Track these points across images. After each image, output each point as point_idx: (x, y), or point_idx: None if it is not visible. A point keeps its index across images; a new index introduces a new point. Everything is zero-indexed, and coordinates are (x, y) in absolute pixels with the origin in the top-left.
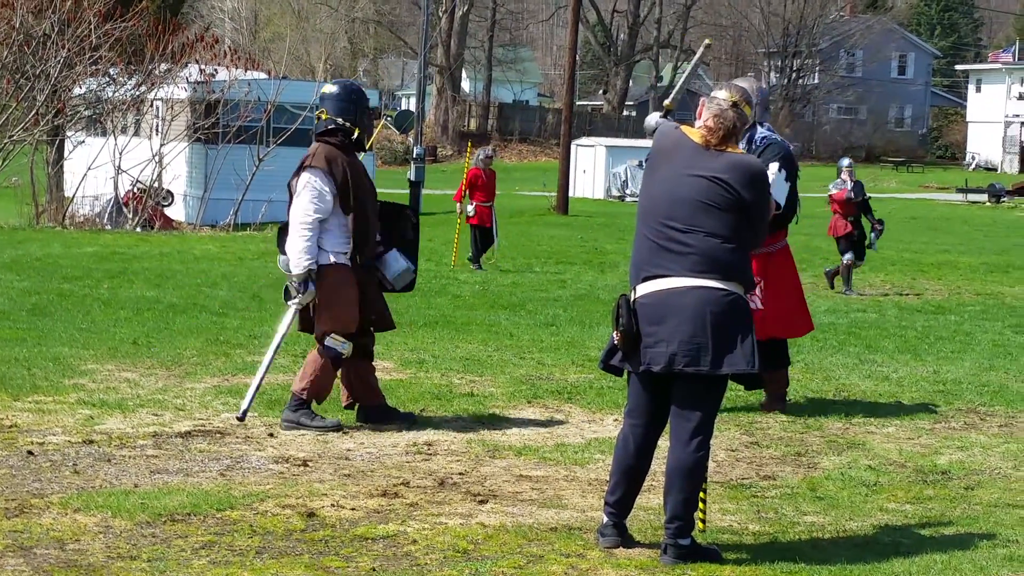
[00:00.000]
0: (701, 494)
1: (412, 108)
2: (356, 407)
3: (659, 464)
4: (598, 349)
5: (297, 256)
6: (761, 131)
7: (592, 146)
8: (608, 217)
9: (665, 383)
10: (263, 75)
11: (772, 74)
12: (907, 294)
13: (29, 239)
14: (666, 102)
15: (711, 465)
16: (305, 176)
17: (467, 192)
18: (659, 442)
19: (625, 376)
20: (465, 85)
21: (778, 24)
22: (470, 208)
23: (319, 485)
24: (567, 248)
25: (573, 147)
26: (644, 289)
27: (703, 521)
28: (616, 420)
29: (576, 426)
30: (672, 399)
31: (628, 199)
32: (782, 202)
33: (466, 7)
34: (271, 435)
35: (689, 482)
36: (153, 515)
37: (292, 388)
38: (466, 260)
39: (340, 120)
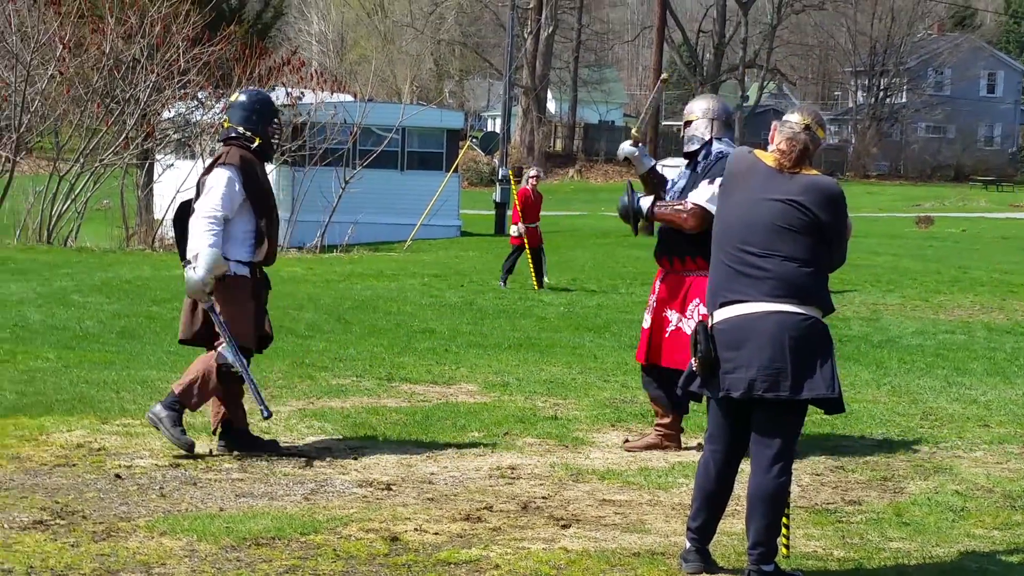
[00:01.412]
0: (784, 519)
1: (497, 129)
2: (219, 432)
3: (742, 488)
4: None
5: (206, 256)
6: (718, 145)
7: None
8: None
9: (745, 409)
10: (349, 97)
11: (859, 93)
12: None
13: (119, 262)
14: (633, 131)
15: (795, 489)
16: (219, 171)
17: (523, 214)
18: (742, 466)
19: (705, 401)
20: (550, 106)
21: (865, 43)
22: (514, 229)
23: (402, 509)
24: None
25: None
26: (722, 315)
27: (787, 547)
28: (699, 444)
29: (659, 450)
30: (752, 425)
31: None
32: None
33: (551, 28)
34: (355, 458)
35: (771, 508)
36: (238, 539)
37: (172, 385)
38: (533, 284)
39: (240, 129)
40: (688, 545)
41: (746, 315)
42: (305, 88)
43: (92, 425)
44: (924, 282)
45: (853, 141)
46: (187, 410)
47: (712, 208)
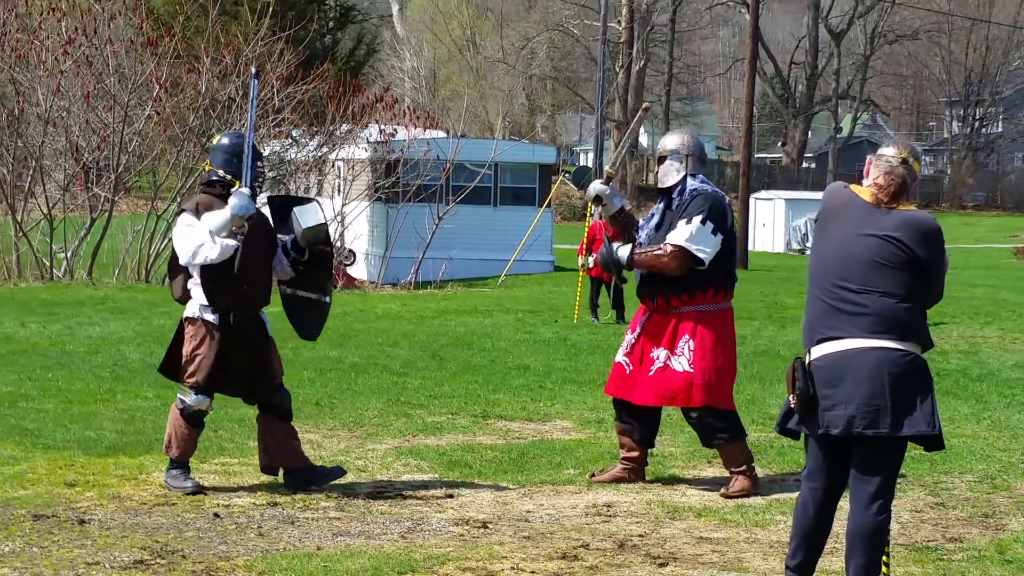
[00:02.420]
0: (884, 557)
1: (590, 164)
2: (280, 472)
3: (841, 525)
4: (778, 407)
5: (216, 224)
6: (692, 183)
7: (771, 199)
8: (788, 271)
9: (844, 446)
10: (442, 134)
11: (954, 123)
12: None
13: None
14: (607, 168)
15: (895, 527)
16: (180, 219)
17: (588, 246)
18: (841, 503)
19: (803, 437)
20: (643, 140)
21: (960, 72)
22: (590, 260)
23: (499, 548)
24: (747, 303)
25: (752, 200)
26: (819, 351)
27: None
28: (797, 480)
29: (759, 487)
30: (851, 462)
31: (808, 252)
32: (706, 256)
33: (643, 62)
34: (451, 496)
35: (871, 546)
36: None
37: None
38: (587, 313)
39: (221, 172)
40: None
41: (845, 351)
42: (398, 125)
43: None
44: None
45: (948, 172)
46: (185, 459)
47: (691, 247)
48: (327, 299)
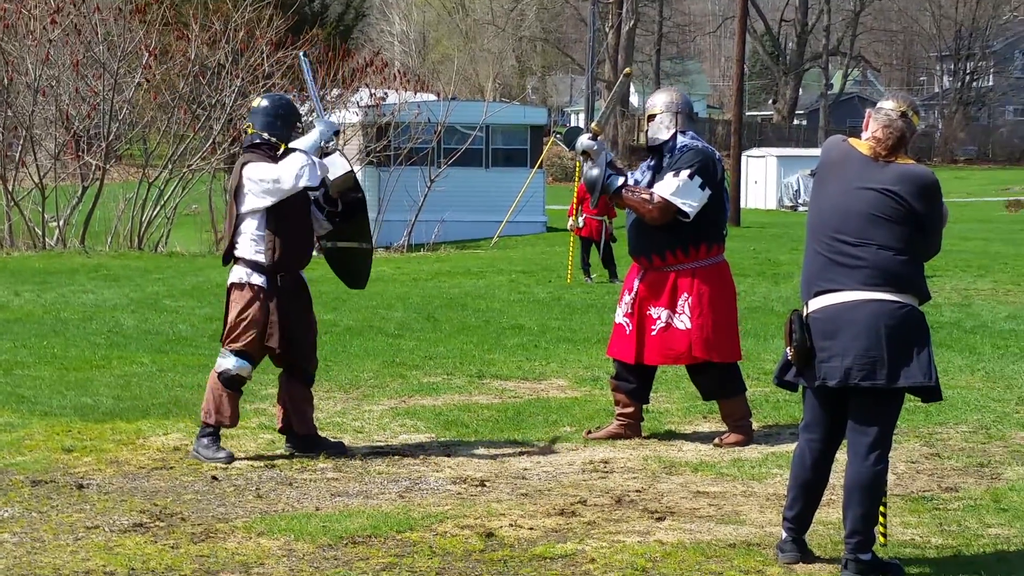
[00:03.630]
0: (881, 508)
1: (581, 125)
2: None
3: (838, 478)
4: (773, 362)
5: (308, 144)
6: (683, 139)
7: (763, 156)
8: (781, 228)
9: (841, 398)
10: (432, 97)
11: (945, 78)
12: None
13: (209, 266)
14: (592, 125)
15: (891, 478)
16: (247, 168)
17: (578, 206)
18: (838, 455)
19: (800, 390)
20: (633, 99)
21: (950, 27)
22: (580, 220)
23: (497, 505)
24: (740, 260)
25: (744, 158)
26: (816, 304)
27: (884, 535)
28: (793, 434)
29: (753, 440)
30: (849, 414)
31: (800, 209)
32: (692, 209)
33: (632, 22)
34: (448, 455)
35: (868, 497)
36: (335, 538)
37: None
38: (580, 273)
39: (266, 135)
40: (784, 535)
41: (842, 304)
42: (388, 88)
43: (188, 428)
44: (1016, 266)
45: (940, 126)
46: (225, 427)
47: (676, 201)
48: (366, 245)
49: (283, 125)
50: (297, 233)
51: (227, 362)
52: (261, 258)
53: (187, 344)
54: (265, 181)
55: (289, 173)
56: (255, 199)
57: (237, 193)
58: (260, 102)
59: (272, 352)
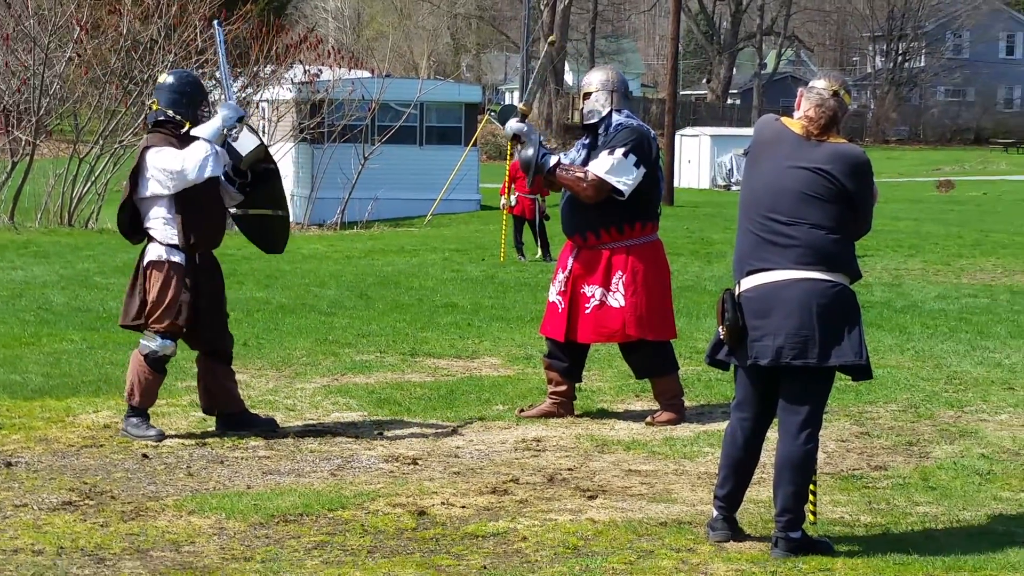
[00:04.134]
0: (811, 486)
1: (515, 102)
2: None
3: (769, 456)
4: (706, 341)
5: (209, 132)
6: (618, 118)
7: (697, 136)
8: (714, 207)
9: (772, 376)
10: (367, 74)
11: (877, 58)
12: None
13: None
14: (521, 106)
15: (821, 456)
16: (150, 154)
17: (511, 185)
18: (768, 434)
19: (732, 369)
20: (568, 78)
21: (882, 7)
22: (513, 199)
23: (429, 483)
24: (674, 239)
25: (677, 137)
26: (749, 283)
27: (814, 513)
28: (725, 413)
29: (685, 419)
30: (780, 392)
31: (734, 188)
32: (626, 187)
33: (568, 0)
34: (380, 434)
35: (799, 475)
36: (266, 516)
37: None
38: (513, 252)
39: (171, 112)
40: (715, 513)
41: (774, 283)
42: (323, 65)
43: (118, 406)
44: (946, 246)
45: (872, 106)
46: (147, 407)
47: (611, 179)
48: (280, 212)
49: (188, 103)
50: (208, 212)
51: (152, 343)
52: (175, 240)
53: (117, 321)
54: (168, 172)
55: (192, 164)
56: (158, 186)
57: (138, 176)
58: (166, 78)
59: (188, 336)
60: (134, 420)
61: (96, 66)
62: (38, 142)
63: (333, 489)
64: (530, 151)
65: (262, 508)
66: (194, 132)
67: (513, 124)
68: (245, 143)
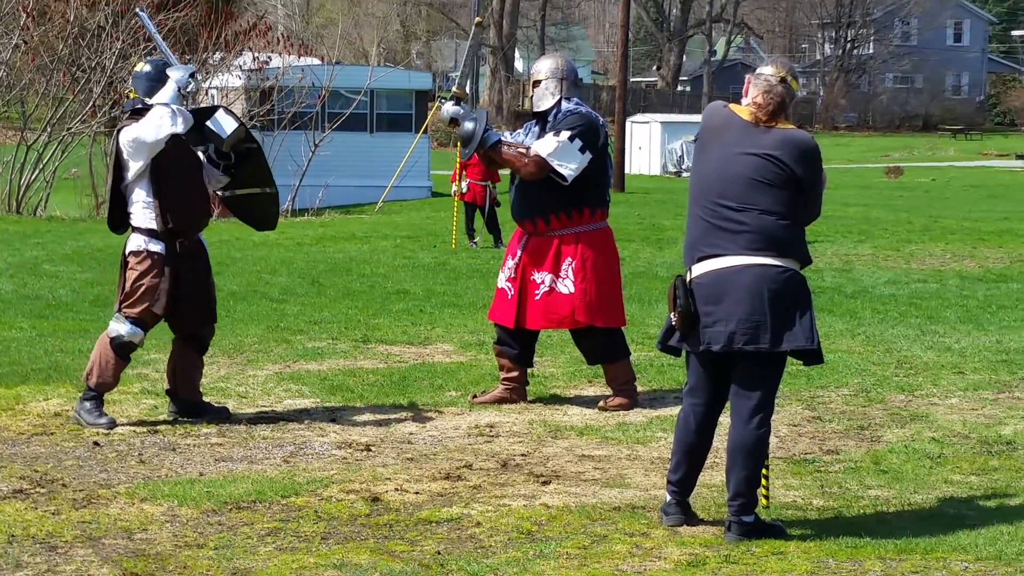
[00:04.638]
0: (764, 470)
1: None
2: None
3: (721, 441)
4: (657, 327)
5: (167, 96)
6: (567, 105)
7: (647, 123)
8: (665, 193)
9: (724, 362)
10: (316, 61)
11: (826, 45)
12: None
13: (90, 230)
14: (455, 90)
15: (773, 440)
16: (121, 134)
17: (462, 172)
18: (721, 419)
19: (684, 355)
20: (518, 65)
21: None
22: (464, 185)
23: (382, 470)
24: (624, 225)
25: (628, 124)
26: (700, 269)
27: (767, 497)
28: (677, 398)
29: (637, 404)
30: (732, 378)
31: (684, 175)
32: (570, 173)
33: None
34: (333, 420)
35: (751, 460)
36: (219, 503)
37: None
38: (464, 238)
39: (148, 100)
40: (668, 498)
41: (724, 269)
42: (272, 52)
43: (68, 394)
44: (895, 232)
45: (821, 93)
46: (105, 391)
47: (553, 162)
48: (268, 189)
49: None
50: (186, 195)
51: (121, 328)
52: (154, 224)
53: (67, 309)
54: (133, 140)
55: (151, 124)
56: (133, 162)
57: (118, 160)
58: (142, 67)
59: (159, 318)
60: (87, 405)
61: (43, 53)
62: None
63: (286, 476)
64: (469, 124)
65: (215, 495)
66: (150, 101)
67: (449, 107)
68: (224, 125)
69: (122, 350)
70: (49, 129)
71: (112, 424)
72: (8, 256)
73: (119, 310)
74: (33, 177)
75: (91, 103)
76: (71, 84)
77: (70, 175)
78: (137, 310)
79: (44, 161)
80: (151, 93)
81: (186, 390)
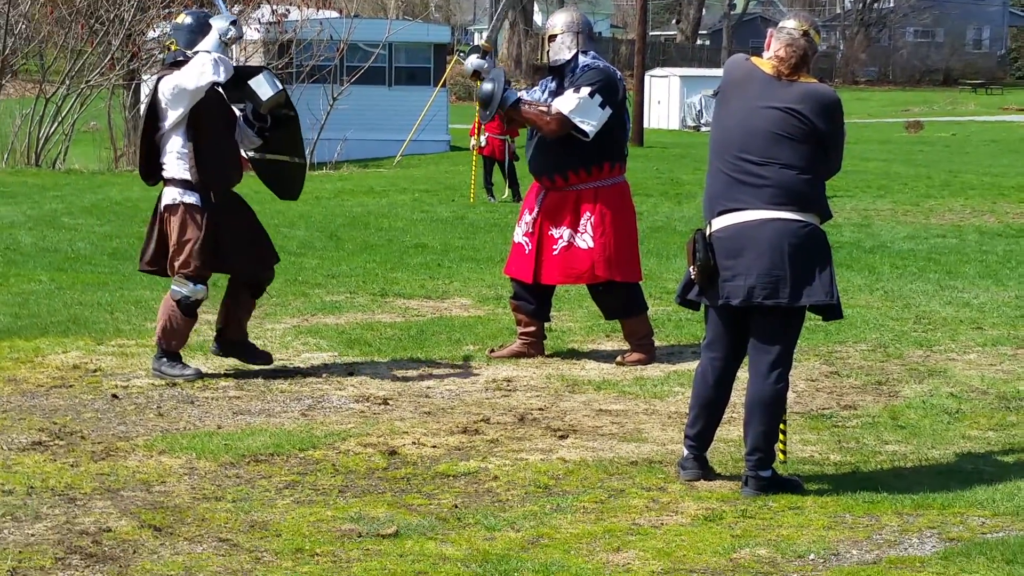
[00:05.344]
0: (781, 425)
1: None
2: (219, 337)
3: (739, 396)
4: (675, 281)
5: (210, 44)
6: (584, 59)
7: (666, 76)
8: (684, 148)
9: (743, 316)
10: (335, 14)
11: None
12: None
13: (108, 183)
14: (482, 43)
15: (791, 396)
16: (161, 82)
17: (480, 125)
18: (739, 374)
19: (702, 309)
20: (537, 18)
21: None
22: (482, 139)
23: (400, 423)
24: (643, 180)
25: (647, 78)
26: (720, 223)
27: (784, 452)
28: (695, 352)
29: (655, 359)
30: (751, 332)
31: (703, 129)
32: (591, 128)
33: None
34: (351, 374)
35: (769, 414)
36: (237, 456)
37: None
38: (483, 192)
39: (188, 53)
40: (686, 452)
41: (745, 223)
42: (290, 6)
43: (87, 346)
44: (915, 187)
45: (841, 47)
46: (178, 350)
47: (575, 119)
48: (297, 159)
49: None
50: (221, 149)
51: (183, 289)
52: (187, 175)
53: (86, 262)
54: (174, 87)
55: (193, 71)
56: (172, 110)
57: (154, 109)
58: (184, 19)
59: (232, 270)
60: (166, 360)
61: (61, 5)
62: (4, 82)
63: (304, 429)
64: (490, 85)
65: (233, 448)
66: (191, 52)
67: (473, 60)
68: (265, 88)
69: (189, 309)
70: (68, 82)
71: (199, 374)
72: (27, 209)
73: (174, 272)
74: (52, 130)
75: (110, 56)
76: (89, 36)
77: (89, 128)
78: (191, 268)
79: (63, 114)
80: (192, 45)
81: (235, 331)
